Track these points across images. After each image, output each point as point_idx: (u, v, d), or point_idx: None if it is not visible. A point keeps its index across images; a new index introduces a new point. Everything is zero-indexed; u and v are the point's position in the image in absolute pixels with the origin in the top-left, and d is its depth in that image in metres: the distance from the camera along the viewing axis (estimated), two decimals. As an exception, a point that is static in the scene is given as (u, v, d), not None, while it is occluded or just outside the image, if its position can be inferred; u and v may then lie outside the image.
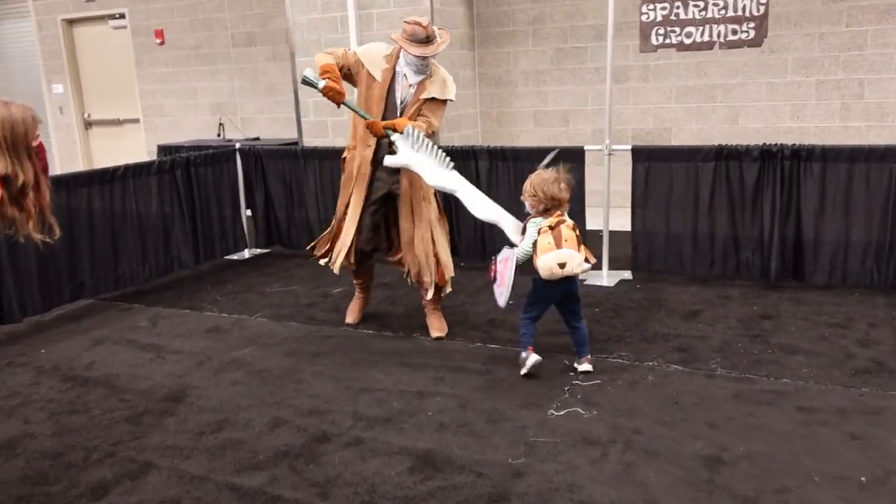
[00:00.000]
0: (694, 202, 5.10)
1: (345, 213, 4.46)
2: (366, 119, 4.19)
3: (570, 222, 3.61)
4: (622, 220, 5.68)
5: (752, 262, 5.06)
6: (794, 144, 4.82)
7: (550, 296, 3.78)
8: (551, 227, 3.56)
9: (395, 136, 4.12)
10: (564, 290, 3.74)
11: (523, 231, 3.76)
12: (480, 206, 4.07)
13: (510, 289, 3.63)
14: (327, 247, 4.59)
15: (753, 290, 5.00)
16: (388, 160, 4.12)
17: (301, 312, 4.98)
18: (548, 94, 8.03)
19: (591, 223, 5.51)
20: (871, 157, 4.67)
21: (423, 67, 4.23)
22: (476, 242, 5.82)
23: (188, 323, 4.90)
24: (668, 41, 4.90)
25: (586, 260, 3.65)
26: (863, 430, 3.13)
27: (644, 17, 5.01)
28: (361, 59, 4.29)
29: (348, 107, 4.21)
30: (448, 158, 4.17)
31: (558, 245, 3.52)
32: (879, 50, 6.66)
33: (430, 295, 4.45)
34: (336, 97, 4.13)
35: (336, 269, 4.48)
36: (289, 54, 7.96)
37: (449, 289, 4.50)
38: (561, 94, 7.96)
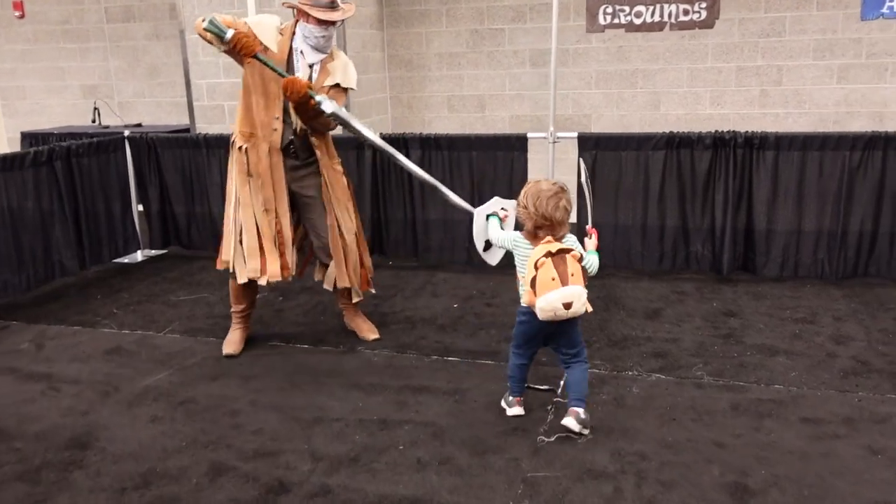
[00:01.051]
0: (644, 193, 4.82)
1: (259, 216, 3.73)
2: (283, 76, 3.47)
3: (576, 251, 2.90)
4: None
5: (703, 255, 4.84)
6: (748, 132, 4.62)
7: (540, 335, 3.07)
8: (551, 254, 2.84)
9: (318, 97, 3.50)
10: (559, 329, 3.02)
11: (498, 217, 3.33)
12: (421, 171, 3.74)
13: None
14: (238, 257, 3.80)
15: (707, 284, 4.78)
16: (331, 107, 3.47)
17: (219, 325, 4.32)
18: (463, 79, 7.60)
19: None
20: (825, 145, 4.53)
21: (325, 43, 3.66)
22: (406, 239, 5.32)
23: (82, 343, 4.14)
24: (616, 21, 4.59)
25: None
26: (879, 442, 2.89)
27: (591, -4, 4.66)
28: (255, 31, 3.61)
29: (261, 60, 3.47)
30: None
31: (564, 281, 2.81)
32: (797, 36, 6.65)
33: (356, 298, 4.02)
34: (248, 46, 3.41)
35: (273, 277, 3.79)
36: (174, 32, 7.13)
37: (372, 290, 4.13)
38: (476, 78, 7.55)
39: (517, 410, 3.19)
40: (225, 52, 3.44)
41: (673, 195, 4.79)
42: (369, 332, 4.08)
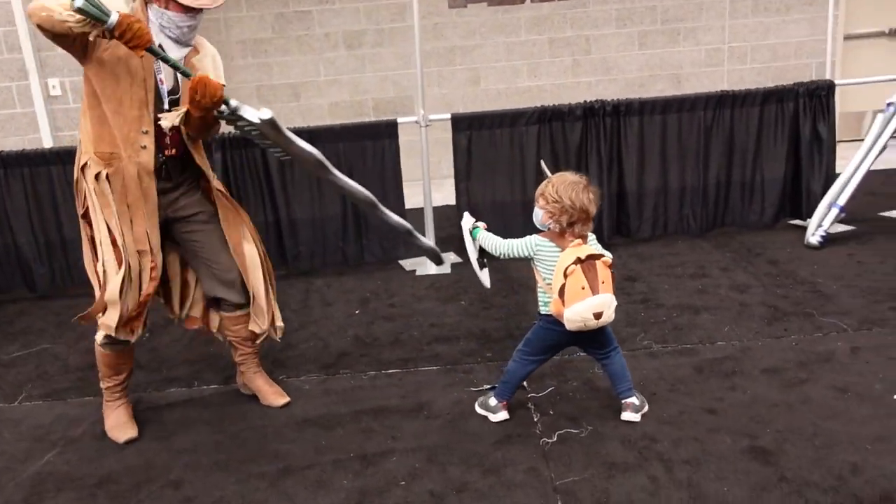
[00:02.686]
0: (521, 169, 4.76)
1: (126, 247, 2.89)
2: (189, 75, 2.75)
3: (607, 257, 2.70)
4: (441, 195, 5.17)
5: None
6: (615, 100, 4.72)
7: (563, 342, 2.90)
8: (581, 261, 2.64)
9: (234, 103, 2.78)
10: (587, 335, 2.81)
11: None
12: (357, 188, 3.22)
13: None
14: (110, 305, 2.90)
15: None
16: (270, 112, 2.78)
17: (85, 379, 3.58)
18: (272, 66, 7.05)
19: (410, 202, 4.89)
20: (682, 108, 4.76)
21: (190, 34, 2.88)
22: (271, 246, 4.79)
23: None
24: (478, -6, 4.45)
25: None
26: (838, 380, 3.06)
27: (449, -31, 4.44)
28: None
29: (157, 55, 2.69)
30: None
31: (594, 290, 2.62)
32: (600, 6, 6.97)
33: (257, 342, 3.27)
34: (142, 33, 2.57)
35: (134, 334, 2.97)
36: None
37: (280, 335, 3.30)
38: (287, 65, 7.04)
39: (504, 415, 2.96)
40: (90, 39, 2.58)
41: (549, 168, 4.76)
42: (276, 395, 3.25)
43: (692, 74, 7.17)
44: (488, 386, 3.20)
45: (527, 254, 2.85)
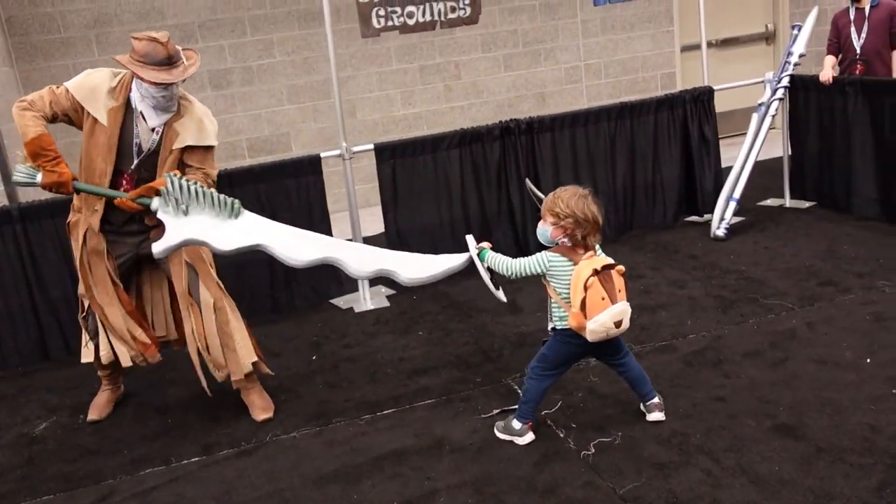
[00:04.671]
0: (446, 192, 4.75)
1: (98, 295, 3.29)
2: (112, 199, 3.09)
3: (620, 266, 2.75)
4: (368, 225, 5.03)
5: (506, 242, 4.96)
6: (529, 118, 4.86)
7: (581, 354, 2.91)
8: (597, 272, 2.67)
9: (154, 204, 2.98)
10: (603, 345, 2.82)
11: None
12: (314, 248, 3.02)
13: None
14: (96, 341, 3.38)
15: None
16: (157, 250, 2.94)
17: (31, 477, 3.10)
18: (133, 113, 6.53)
19: (339, 233, 4.71)
20: (588, 120, 4.98)
21: (168, 102, 3.09)
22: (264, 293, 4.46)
23: None
24: (390, 23, 4.36)
25: None
26: (812, 353, 3.32)
27: (362, -2, 4.36)
28: (78, 98, 3.00)
29: (84, 191, 3.11)
30: (232, 200, 3.02)
31: (613, 299, 2.65)
32: (466, 32, 7.14)
33: (237, 375, 3.33)
34: (63, 188, 3.04)
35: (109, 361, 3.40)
36: None
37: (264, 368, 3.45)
38: (150, 110, 6.56)
39: (531, 436, 2.92)
40: None
41: (471, 189, 4.80)
42: (261, 411, 3.36)
43: (555, 92, 7.52)
44: (498, 410, 3.15)
45: (539, 270, 2.85)
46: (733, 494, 2.46)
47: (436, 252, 4.54)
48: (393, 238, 4.68)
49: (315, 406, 3.42)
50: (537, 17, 7.31)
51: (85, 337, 3.38)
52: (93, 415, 3.50)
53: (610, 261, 2.76)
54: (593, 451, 2.80)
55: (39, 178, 3.00)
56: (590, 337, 2.69)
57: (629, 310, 2.74)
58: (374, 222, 5.42)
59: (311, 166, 4.46)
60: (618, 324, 2.69)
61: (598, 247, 2.87)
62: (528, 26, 7.29)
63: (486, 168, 4.81)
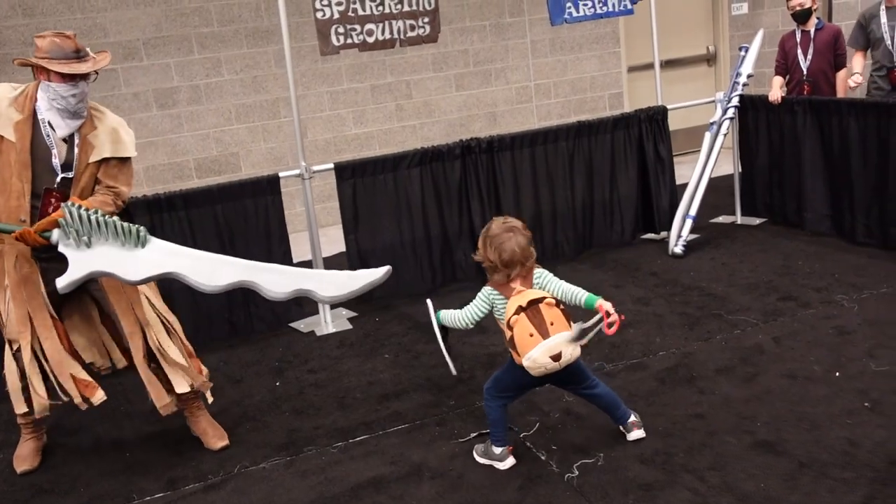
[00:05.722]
0: (407, 211, 4.68)
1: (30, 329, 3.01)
2: (11, 232, 2.86)
3: (549, 297, 2.64)
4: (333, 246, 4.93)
5: (467, 262, 4.91)
6: (489, 136, 4.84)
7: (536, 382, 2.82)
8: (523, 309, 2.60)
9: (54, 237, 2.83)
10: (559, 375, 2.72)
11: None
12: (228, 272, 2.91)
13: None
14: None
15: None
16: (61, 284, 2.80)
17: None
18: (74, 132, 6.29)
19: (297, 254, 4.61)
20: (547, 139, 4.99)
21: (78, 104, 2.89)
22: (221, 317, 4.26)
23: None
24: (349, 41, 4.28)
25: (583, 331, 2.60)
26: (783, 367, 3.36)
27: (320, 15, 4.26)
28: None
29: (43, 242, 2.86)
30: (137, 228, 2.91)
31: (543, 334, 2.56)
32: (416, 52, 7.12)
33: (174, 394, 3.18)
34: (32, 243, 2.86)
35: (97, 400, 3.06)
36: None
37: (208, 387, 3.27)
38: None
39: (511, 461, 2.86)
40: None
41: (432, 208, 4.75)
42: (216, 439, 3.24)
43: (506, 112, 7.55)
44: (475, 434, 3.08)
45: (487, 308, 2.81)
46: (728, 514, 2.44)
47: (397, 272, 4.54)
48: (354, 258, 4.58)
49: (283, 434, 3.28)
50: (487, 38, 7.34)
51: (15, 382, 3.02)
52: (24, 466, 3.20)
53: (538, 294, 2.66)
54: (577, 472, 2.75)
55: (13, 230, 2.81)
56: (531, 372, 2.63)
57: (568, 341, 2.59)
58: (327, 243, 5.31)
59: (269, 186, 4.33)
60: (555, 357, 2.58)
61: (540, 272, 2.81)
62: (479, 46, 7.32)
63: (446, 187, 4.77)
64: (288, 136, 6.88)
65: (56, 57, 2.78)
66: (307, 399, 3.61)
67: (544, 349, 2.57)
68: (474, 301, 2.81)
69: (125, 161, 3.05)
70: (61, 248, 2.80)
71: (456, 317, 2.86)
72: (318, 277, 3.01)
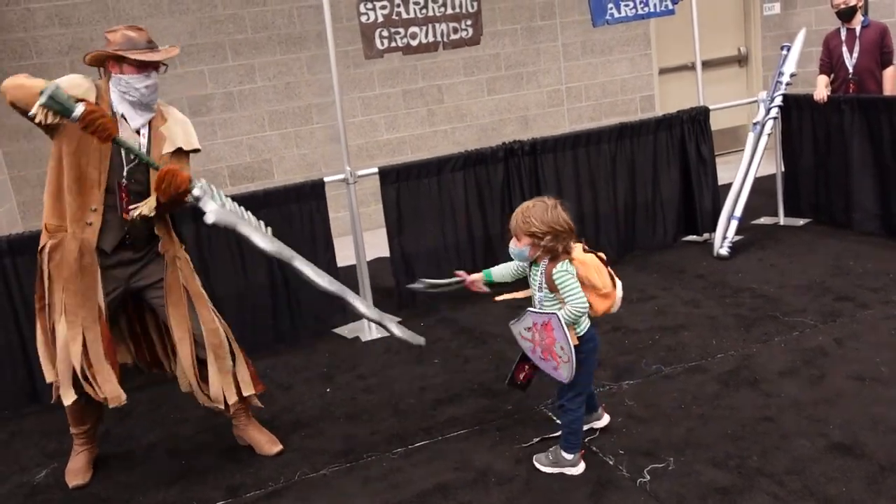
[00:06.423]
0: (451, 215, 4.64)
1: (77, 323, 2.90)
2: (156, 167, 2.80)
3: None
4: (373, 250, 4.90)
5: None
6: (532, 139, 4.79)
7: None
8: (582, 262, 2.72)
9: (197, 190, 2.80)
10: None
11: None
12: (321, 275, 3.01)
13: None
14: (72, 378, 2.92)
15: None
16: (215, 217, 2.77)
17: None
18: (109, 141, 6.30)
19: (343, 259, 4.60)
20: (589, 142, 4.93)
21: (150, 95, 2.92)
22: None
23: None
24: (393, 44, 4.26)
25: None
26: (849, 370, 3.28)
27: (364, 18, 4.24)
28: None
29: (122, 145, 2.75)
30: (262, 222, 3.02)
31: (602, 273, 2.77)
32: (448, 56, 7.09)
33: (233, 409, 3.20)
34: (107, 127, 2.63)
35: (114, 401, 2.91)
36: None
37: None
38: (127, 137, 6.33)
39: (583, 466, 2.80)
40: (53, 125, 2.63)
41: (476, 211, 4.71)
42: (270, 444, 3.22)
43: (538, 115, 7.50)
44: (538, 439, 3.02)
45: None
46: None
47: (440, 276, 4.52)
48: (398, 263, 4.55)
49: (340, 441, 3.24)
50: (519, 41, 7.30)
51: (62, 373, 2.90)
52: (77, 480, 3.12)
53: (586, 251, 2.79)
54: (648, 477, 2.69)
55: (79, 111, 2.54)
56: (618, 305, 2.79)
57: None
58: (369, 248, 5.27)
59: (314, 191, 4.30)
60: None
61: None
62: (511, 50, 7.28)
63: (489, 190, 4.72)
64: (320, 143, 6.87)
65: (129, 48, 2.79)
66: (360, 405, 3.56)
67: (619, 284, 2.83)
68: (567, 281, 2.69)
69: (188, 155, 3.04)
70: (204, 201, 2.77)
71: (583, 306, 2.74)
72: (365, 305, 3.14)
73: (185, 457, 3.26)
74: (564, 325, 2.62)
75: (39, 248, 2.93)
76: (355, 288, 4.53)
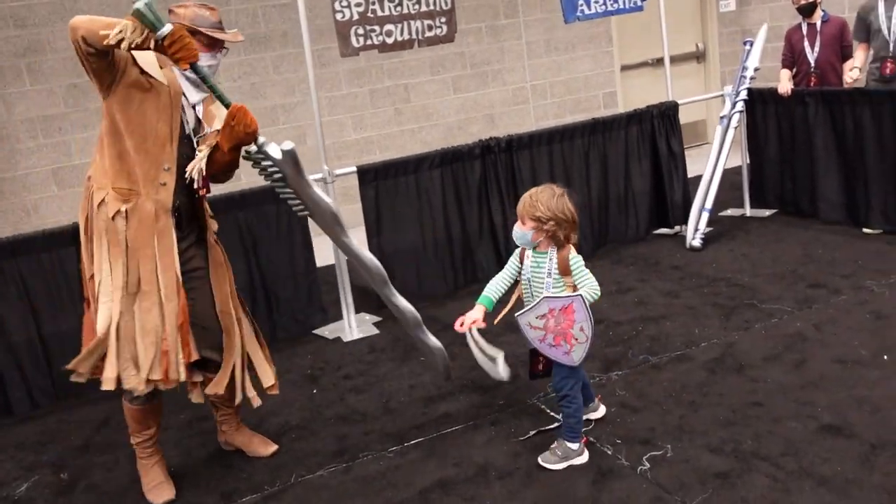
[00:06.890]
0: (429, 212, 4.63)
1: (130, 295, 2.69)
2: (228, 103, 2.63)
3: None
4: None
5: (488, 261, 4.87)
6: (508, 136, 4.81)
7: None
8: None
9: (261, 139, 2.72)
10: None
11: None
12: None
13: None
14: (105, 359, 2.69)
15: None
16: (291, 143, 2.72)
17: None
18: (69, 145, 6.14)
19: (322, 259, 4.55)
20: (563, 138, 4.98)
21: (215, 71, 2.81)
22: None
23: None
24: (369, 42, 4.21)
25: None
26: (829, 354, 3.37)
27: (339, 16, 4.20)
28: (133, 54, 2.61)
29: (199, 73, 2.59)
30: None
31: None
32: (413, 55, 7.08)
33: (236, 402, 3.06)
34: (192, 48, 2.48)
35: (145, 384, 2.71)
36: None
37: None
38: (89, 141, 6.17)
39: (587, 455, 2.82)
40: (131, 48, 2.42)
41: (453, 209, 4.71)
42: (264, 445, 3.18)
43: (504, 113, 7.53)
44: (534, 432, 3.03)
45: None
46: (806, 498, 2.43)
47: (419, 276, 4.52)
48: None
49: (333, 442, 3.21)
50: (483, 40, 7.33)
51: (121, 356, 2.66)
52: (165, 496, 2.90)
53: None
54: (648, 465, 2.72)
55: (167, 29, 2.40)
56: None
57: None
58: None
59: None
60: None
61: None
62: (475, 48, 7.30)
63: (466, 187, 4.73)
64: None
65: (202, 25, 2.68)
66: (349, 405, 3.53)
67: None
68: (577, 264, 2.77)
69: None
70: (268, 145, 2.70)
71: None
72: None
73: (175, 462, 3.18)
74: (587, 306, 2.64)
75: (97, 206, 2.67)
76: (335, 288, 4.50)
